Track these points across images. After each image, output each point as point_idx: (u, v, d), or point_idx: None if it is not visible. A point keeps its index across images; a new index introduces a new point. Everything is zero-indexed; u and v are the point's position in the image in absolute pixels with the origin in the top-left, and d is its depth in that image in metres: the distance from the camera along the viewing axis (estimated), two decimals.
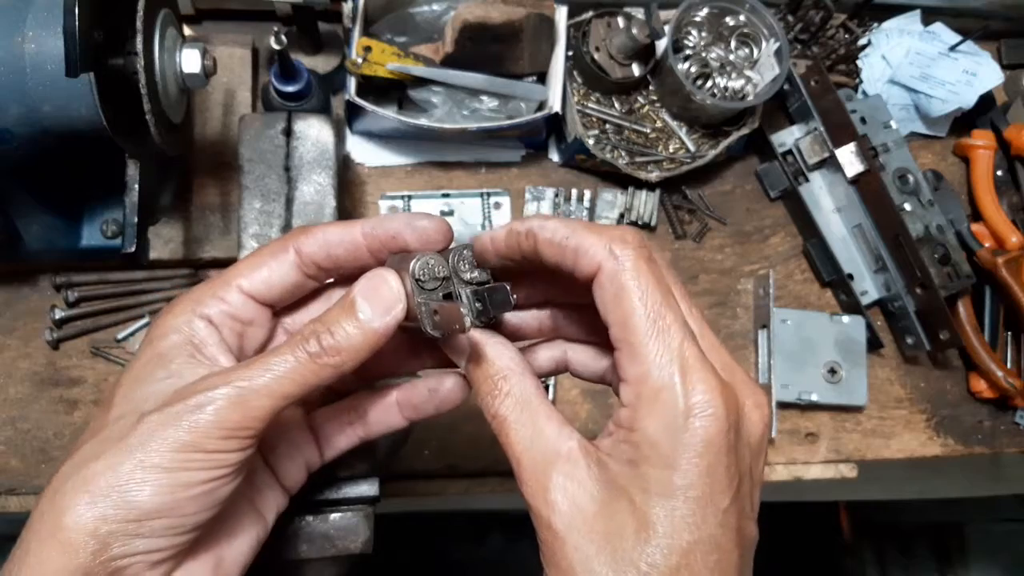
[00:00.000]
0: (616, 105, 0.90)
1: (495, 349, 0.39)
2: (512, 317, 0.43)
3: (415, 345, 0.44)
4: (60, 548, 0.33)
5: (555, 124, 0.90)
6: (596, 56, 0.87)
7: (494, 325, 0.41)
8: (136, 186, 0.64)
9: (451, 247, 0.40)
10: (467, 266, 0.39)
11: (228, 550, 0.39)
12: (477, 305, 0.38)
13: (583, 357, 0.44)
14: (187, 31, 0.81)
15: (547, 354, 0.44)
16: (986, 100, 0.97)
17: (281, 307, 0.42)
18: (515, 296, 0.36)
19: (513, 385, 0.38)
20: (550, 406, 0.38)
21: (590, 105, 0.89)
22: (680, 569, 0.33)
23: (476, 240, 0.40)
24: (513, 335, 0.43)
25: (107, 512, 0.33)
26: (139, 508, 0.33)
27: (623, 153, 0.89)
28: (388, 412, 0.44)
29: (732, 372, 0.37)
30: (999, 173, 0.99)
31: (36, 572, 0.33)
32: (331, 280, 0.44)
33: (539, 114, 0.85)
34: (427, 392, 0.43)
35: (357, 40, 0.79)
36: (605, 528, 0.34)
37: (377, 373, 0.45)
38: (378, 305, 0.36)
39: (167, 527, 0.34)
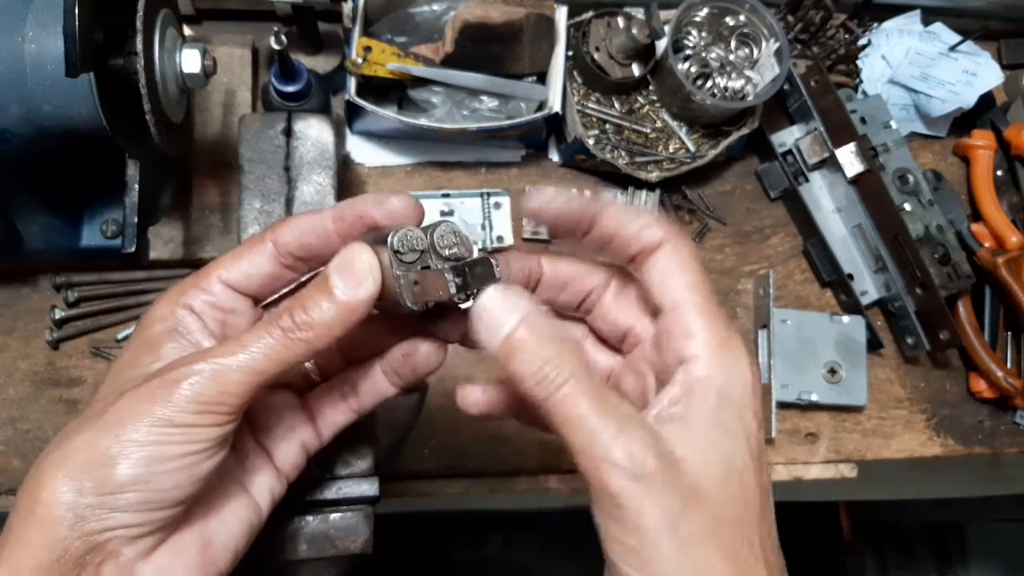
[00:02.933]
0: (616, 105, 0.90)
1: (549, 319, 0.37)
2: None
3: (402, 326, 0.44)
4: (38, 523, 0.33)
5: (555, 124, 0.90)
6: (596, 56, 0.87)
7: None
8: (136, 186, 0.64)
9: (432, 222, 0.39)
10: (447, 242, 0.38)
11: (217, 532, 0.39)
12: (457, 279, 0.37)
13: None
14: (187, 31, 0.81)
15: None
16: (986, 100, 0.97)
17: (264, 297, 0.43)
18: (499, 268, 0.36)
19: (579, 354, 0.37)
20: None
21: (590, 105, 0.89)
22: (766, 508, 0.37)
23: (536, 192, 0.40)
24: None
25: (83, 485, 0.33)
26: (114, 481, 0.34)
27: (623, 153, 0.89)
28: (376, 381, 0.45)
29: None
30: (999, 173, 0.99)
31: (17, 548, 0.33)
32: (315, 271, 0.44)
33: (539, 114, 0.85)
34: (401, 356, 0.43)
35: (357, 40, 0.79)
36: (712, 484, 0.35)
37: (361, 356, 0.45)
38: (351, 278, 0.36)
39: (144, 501, 0.34)
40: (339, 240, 0.40)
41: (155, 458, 0.34)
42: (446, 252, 0.38)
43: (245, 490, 0.41)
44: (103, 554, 0.34)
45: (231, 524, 0.40)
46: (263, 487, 0.42)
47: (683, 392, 0.37)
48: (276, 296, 0.44)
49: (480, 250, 0.40)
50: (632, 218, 0.39)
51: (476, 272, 0.37)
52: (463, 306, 0.38)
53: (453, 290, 0.35)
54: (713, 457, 0.36)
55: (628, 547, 0.34)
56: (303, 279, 0.43)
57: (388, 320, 0.43)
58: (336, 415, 0.45)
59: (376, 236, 0.39)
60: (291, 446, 0.44)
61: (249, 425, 0.43)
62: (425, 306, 0.38)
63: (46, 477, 0.34)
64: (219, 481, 0.38)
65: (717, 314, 0.38)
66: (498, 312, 0.37)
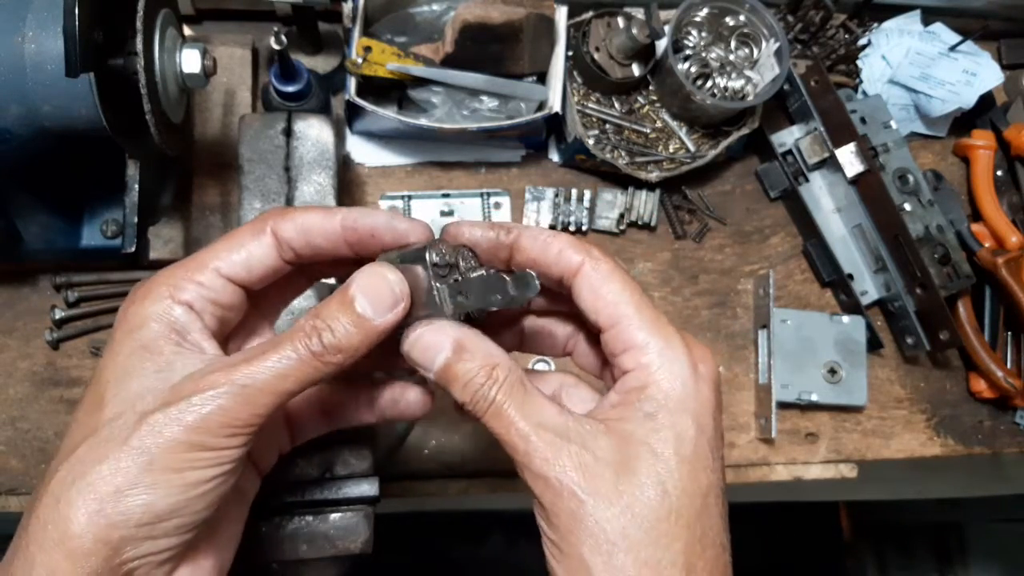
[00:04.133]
0: (616, 105, 0.90)
1: (479, 340, 0.39)
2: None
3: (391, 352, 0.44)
4: (70, 557, 0.32)
5: (555, 124, 0.90)
6: (596, 56, 0.87)
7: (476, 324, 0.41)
8: (136, 186, 0.64)
9: (453, 246, 0.40)
10: (467, 265, 0.40)
11: (223, 536, 0.40)
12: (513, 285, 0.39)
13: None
14: (187, 31, 0.81)
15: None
16: (986, 100, 0.97)
17: (256, 289, 0.42)
18: (539, 281, 0.38)
19: (510, 370, 0.38)
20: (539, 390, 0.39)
21: (590, 105, 0.89)
22: (702, 512, 0.36)
23: (452, 225, 0.41)
24: None
25: (117, 518, 0.32)
26: (153, 511, 0.33)
27: (623, 153, 0.89)
28: (358, 411, 0.45)
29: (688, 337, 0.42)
30: (999, 173, 0.99)
31: None
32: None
33: (539, 114, 0.85)
34: (391, 400, 0.44)
35: (357, 40, 0.79)
36: (630, 486, 0.35)
37: (357, 369, 0.45)
38: (379, 303, 0.37)
39: (177, 526, 0.34)
40: (347, 248, 0.40)
41: (188, 484, 0.34)
42: (472, 275, 0.39)
43: (239, 493, 0.42)
44: None
45: (233, 528, 0.41)
46: (250, 488, 0.43)
47: (620, 400, 0.38)
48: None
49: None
50: (547, 245, 0.40)
51: (521, 283, 0.38)
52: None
53: (513, 292, 0.37)
54: (633, 464, 0.36)
55: (562, 551, 0.36)
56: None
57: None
58: (311, 429, 0.46)
59: (400, 254, 0.40)
60: (270, 451, 0.45)
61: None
62: (461, 317, 0.39)
63: (73, 508, 0.32)
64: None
65: (652, 323, 0.38)
66: (431, 343, 0.38)
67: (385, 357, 0.44)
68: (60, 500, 0.33)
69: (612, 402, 0.39)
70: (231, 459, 0.35)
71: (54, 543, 0.32)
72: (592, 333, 0.45)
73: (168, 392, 0.35)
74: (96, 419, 0.36)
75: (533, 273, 0.38)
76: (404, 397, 0.44)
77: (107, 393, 0.36)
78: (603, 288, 0.39)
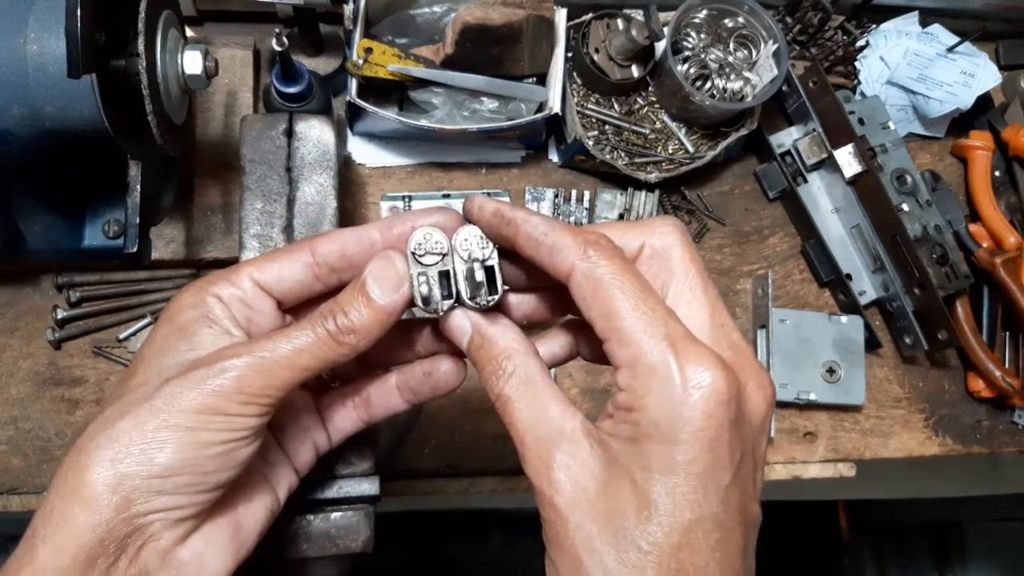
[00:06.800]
0: (615, 106, 0.90)
1: (498, 330, 0.40)
2: (513, 298, 0.43)
3: (412, 335, 0.45)
4: (83, 504, 0.34)
5: (555, 125, 0.90)
6: (596, 57, 0.87)
7: (497, 308, 0.41)
8: (138, 187, 0.64)
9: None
10: (473, 244, 0.40)
11: (245, 517, 0.41)
12: (465, 286, 0.39)
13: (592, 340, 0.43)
14: (189, 32, 0.81)
15: (559, 340, 0.45)
16: (984, 101, 0.97)
17: (289, 303, 0.43)
18: (506, 287, 0.37)
19: (517, 365, 0.39)
20: (555, 387, 0.38)
21: (589, 106, 0.89)
22: (681, 548, 0.33)
23: (468, 201, 0.41)
24: (520, 320, 0.44)
25: (130, 468, 0.34)
26: (161, 464, 0.35)
27: (622, 154, 0.89)
28: (389, 395, 0.46)
29: (739, 351, 0.36)
30: (997, 174, 0.99)
31: (61, 529, 0.34)
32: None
33: (539, 115, 0.85)
34: (422, 375, 0.44)
35: (358, 42, 0.80)
36: (607, 507, 0.34)
37: (378, 362, 0.46)
38: (386, 283, 0.38)
39: (187, 484, 0.36)
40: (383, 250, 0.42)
41: (200, 444, 0.35)
42: (478, 254, 0.40)
43: (267, 480, 0.43)
44: (143, 537, 0.35)
45: (257, 510, 0.42)
46: (282, 479, 0.44)
47: (611, 414, 0.37)
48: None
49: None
50: (538, 246, 0.37)
51: (479, 281, 0.39)
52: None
53: (442, 308, 0.37)
54: (614, 485, 0.34)
55: (551, 560, 0.36)
56: None
57: (405, 332, 0.45)
58: (345, 422, 0.47)
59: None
60: (304, 445, 0.46)
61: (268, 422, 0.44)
62: (438, 312, 0.40)
63: (91, 459, 0.35)
64: (246, 470, 0.39)
65: (645, 336, 0.34)
66: (456, 325, 0.41)
67: (401, 351, 0.46)
68: (81, 452, 0.35)
69: (607, 412, 0.37)
70: (244, 427, 0.37)
71: (71, 491, 0.34)
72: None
73: (192, 362, 0.38)
74: (126, 387, 0.39)
75: (496, 271, 0.38)
76: (437, 368, 0.44)
77: (140, 366, 0.40)
78: (594, 295, 0.35)
